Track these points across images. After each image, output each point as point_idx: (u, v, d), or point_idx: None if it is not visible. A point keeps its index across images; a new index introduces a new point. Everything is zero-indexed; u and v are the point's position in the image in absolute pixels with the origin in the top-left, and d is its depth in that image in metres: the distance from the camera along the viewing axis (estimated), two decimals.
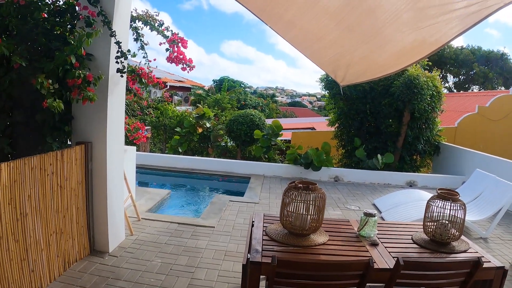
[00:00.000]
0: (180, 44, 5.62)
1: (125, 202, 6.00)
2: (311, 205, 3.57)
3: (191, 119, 14.46)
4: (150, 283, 4.57)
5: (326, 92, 14.00)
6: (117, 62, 4.71)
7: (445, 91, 28.75)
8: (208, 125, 14.31)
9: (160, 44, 5.65)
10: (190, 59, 5.63)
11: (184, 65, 5.65)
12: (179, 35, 5.67)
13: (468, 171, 10.76)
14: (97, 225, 5.22)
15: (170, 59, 5.61)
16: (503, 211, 7.05)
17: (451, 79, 38.69)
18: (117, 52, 4.70)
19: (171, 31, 5.66)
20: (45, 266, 4.21)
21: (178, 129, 14.59)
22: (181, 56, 5.58)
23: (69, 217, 4.65)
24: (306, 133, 19.60)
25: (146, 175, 11.15)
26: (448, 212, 3.75)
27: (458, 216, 3.73)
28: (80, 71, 4.23)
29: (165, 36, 5.65)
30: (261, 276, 3.21)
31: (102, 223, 5.20)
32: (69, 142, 5.03)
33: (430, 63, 13.46)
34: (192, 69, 5.72)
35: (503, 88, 33.52)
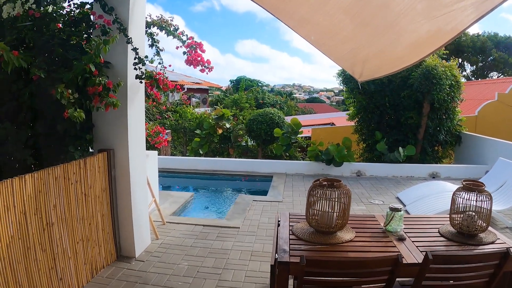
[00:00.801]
0: (197, 49, 5.63)
1: (149, 206, 6.03)
2: (336, 202, 3.54)
3: (210, 120, 14.49)
4: (178, 286, 4.58)
5: (344, 87, 13.92)
6: (135, 69, 4.72)
7: (463, 79, 28.38)
8: (227, 125, 14.33)
9: (177, 48, 5.67)
10: (208, 61, 5.64)
11: (203, 67, 5.66)
12: (194, 39, 5.68)
13: (490, 160, 10.60)
14: (122, 231, 5.25)
15: (188, 62, 5.63)
16: None
17: (468, 67, 38.14)
18: (135, 59, 4.71)
19: (187, 35, 5.67)
20: (73, 274, 4.25)
21: (198, 131, 14.63)
22: (199, 58, 5.58)
23: (94, 225, 4.68)
24: (326, 129, 19.52)
25: (168, 179, 11.19)
26: (474, 203, 3.68)
27: (485, 207, 3.65)
28: (101, 78, 4.25)
29: (182, 41, 5.65)
30: (289, 276, 3.19)
31: (128, 228, 5.23)
32: (91, 150, 5.06)
33: (447, 52, 13.27)
34: (211, 70, 5.72)
35: None
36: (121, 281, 4.66)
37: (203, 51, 5.64)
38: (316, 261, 2.93)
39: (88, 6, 4.83)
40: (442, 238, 3.70)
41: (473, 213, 3.65)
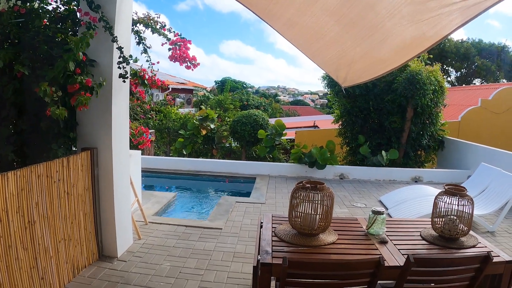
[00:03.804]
0: (184, 45, 5.59)
1: (132, 206, 6.00)
2: (319, 205, 3.56)
3: (194, 121, 14.45)
4: (160, 287, 4.57)
5: (328, 90, 14.01)
6: (119, 68, 4.71)
7: (447, 85, 28.68)
8: (212, 126, 14.30)
9: (162, 44, 5.63)
10: (194, 57, 5.59)
11: (189, 63, 5.61)
12: (180, 35, 5.64)
13: (473, 165, 10.75)
14: (105, 231, 5.22)
15: (173, 58, 5.56)
16: (510, 204, 7.02)
17: (453, 73, 38.56)
18: (119, 58, 4.69)
19: (174, 31, 5.64)
20: (54, 273, 4.21)
21: (182, 132, 14.58)
22: (185, 55, 5.55)
23: (77, 224, 4.65)
24: (309, 131, 19.59)
25: (151, 179, 11.15)
26: (456, 208, 3.73)
27: (466, 211, 3.70)
28: (81, 77, 4.21)
29: (168, 38, 5.62)
30: (272, 277, 3.20)
31: (110, 228, 5.20)
32: (74, 149, 5.03)
33: (431, 57, 13.42)
34: (197, 67, 5.67)
35: (505, 80, 33.40)
36: (103, 281, 4.63)
37: (188, 49, 5.61)
38: (298, 263, 2.95)
39: (74, 3, 4.80)
40: (423, 242, 3.75)
41: (455, 217, 3.70)
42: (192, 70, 5.71)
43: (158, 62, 5.61)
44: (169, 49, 5.60)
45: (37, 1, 4.56)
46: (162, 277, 4.82)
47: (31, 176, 3.77)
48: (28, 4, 4.44)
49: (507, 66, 34.79)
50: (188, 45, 5.62)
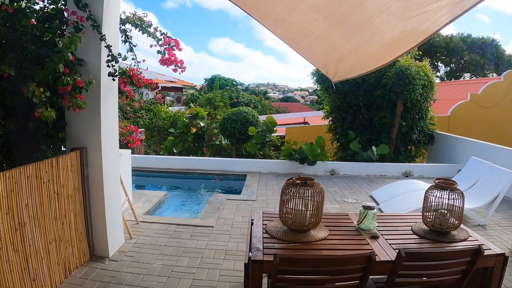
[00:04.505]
0: (174, 47, 5.58)
1: (123, 205, 5.98)
2: (309, 201, 3.57)
3: (184, 119, 14.41)
4: (152, 286, 4.57)
5: (318, 86, 14.03)
6: (108, 66, 4.69)
7: (437, 80, 28.83)
8: (202, 124, 14.27)
9: (151, 46, 5.61)
10: (181, 61, 5.58)
11: (176, 67, 5.61)
12: (169, 36, 5.63)
13: (463, 159, 10.82)
14: (96, 231, 5.20)
15: (162, 62, 5.56)
16: (500, 197, 7.09)
17: (442, 68, 38.77)
18: (108, 56, 4.67)
19: (160, 31, 5.61)
20: (46, 275, 4.19)
21: (172, 130, 14.54)
22: (173, 58, 5.54)
23: (67, 224, 4.63)
24: (300, 128, 19.61)
25: (142, 178, 11.10)
26: (446, 202, 3.76)
27: (457, 205, 3.73)
28: (69, 78, 4.18)
29: (157, 39, 5.59)
30: (263, 274, 3.21)
31: (101, 228, 5.18)
32: (63, 149, 5.00)
33: (420, 53, 13.49)
34: (184, 70, 5.67)
35: (494, 75, 33.57)
36: (94, 281, 4.62)
37: (180, 50, 5.59)
38: (290, 259, 2.96)
39: (62, 2, 4.77)
40: (415, 236, 3.77)
41: (446, 211, 3.73)
42: (180, 73, 5.72)
43: (144, 61, 5.59)
44: (158, 52, 5.57)
45: (24, 1, 4.53)
46: (154, 276, 4.81)
47: (21, 177, 3.75)
48: (15, 3, 4.41)
49: (496, 60, 34.99)
50: (178, 47, 5.59)
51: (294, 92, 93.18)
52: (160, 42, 5.53)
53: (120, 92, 5.63)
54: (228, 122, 13.65)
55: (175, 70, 5.62)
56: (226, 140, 14.53)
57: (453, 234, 3.73)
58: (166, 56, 5.52)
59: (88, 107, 4.47)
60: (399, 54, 4.70)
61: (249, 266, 3.26)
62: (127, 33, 5.56)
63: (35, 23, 4.61)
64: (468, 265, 3.15)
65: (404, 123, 12.39)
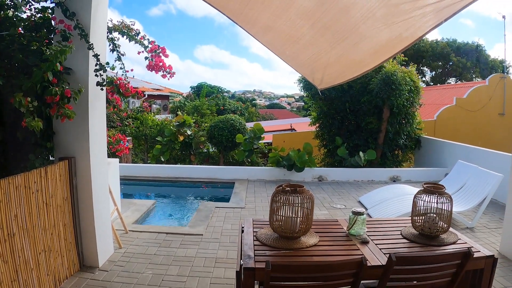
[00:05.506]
0: (161, 54, 5.57)
1: (112, 215, 5.95)
2: (299, 208, 3.58)
3: (171, 127, 14.38)
4: None
5: (305, 93, 14.10)
6: (96, 75, 4.67)
7: (423, 85, 29.07)
8: (189, 132, 14.25)
9: (139, 53, 5.59)
10: (170, 66, 5.57)
11: (164, 72, 5.59)
12: (156, 43, 5.62)
13: (450, 163, 10.94)
14: (85, 241, 5.17)
15: (150, 67, 5.54)
16: (487, 200, 7.16)
17: (428, 72, 39.16)
18: (96, 65, 4.66)
19: (148, 39, 5.61)
20: (36, 286, 4.15)
21: (159, 138, 14.50)
22: (161, 64, 5.53)
23: (56, 234, 4.60)
24: (287, 134, 19.68)
25: (130, 187, 11.03)
26: (435, 206, 3.79)
27: (445, 208, 3.77)
28: (57, 88, 4.16)
29: (144, 46, 5.58)
30: (255, 281, 3.21)
31: (90, 238, 5.15)
32: (52, 158, 4.97)
33: (406, 59, 13.62)
34: (173, 76, 5.66)
35: (479, 79, 34.00)
36: None
37: (166, 56, 5.59)
38: (282, 266, 2.96)
39: (49, 11, 4.76)
40: (404, 240, 3.79)
41: (434, 215, 3.76)
42: (169, 79, 5.70)
43: (132, 70, 5.56)
44: (146, 58, 5.56)
45: (11, 10, 4.51)
46: (144, 285, 4.79)
47: (9, 188, 3.72)
48: (2, 12, 4.39)
49: (481, 65, 35.44)
50: (165, 53, 5.59)
51: (281, 98, 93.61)
52: (147, 49, 5.52)
53: (108, 101, 5.61)
54: (216, 130, 13.65)
55: (164, 76, 5.59)
56: (213, 148, 14.52)
57: (442, 238, 3.76)
58: (154, 62, 5.50)
59: (76, 116, 4.45)
60: (384, 58, 4.75)
61: (241, 273, 3.25)
62: (115, 42, 5.54)
63: (22, 32, 4.59)
64: (458, 268, 3.18)
65: (390, 128, 12.49)
